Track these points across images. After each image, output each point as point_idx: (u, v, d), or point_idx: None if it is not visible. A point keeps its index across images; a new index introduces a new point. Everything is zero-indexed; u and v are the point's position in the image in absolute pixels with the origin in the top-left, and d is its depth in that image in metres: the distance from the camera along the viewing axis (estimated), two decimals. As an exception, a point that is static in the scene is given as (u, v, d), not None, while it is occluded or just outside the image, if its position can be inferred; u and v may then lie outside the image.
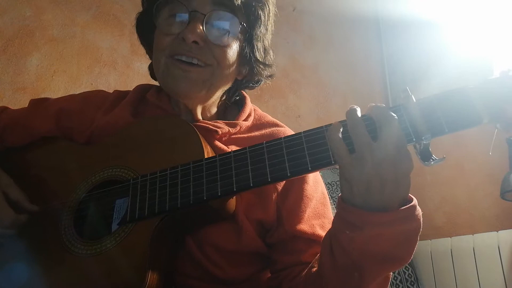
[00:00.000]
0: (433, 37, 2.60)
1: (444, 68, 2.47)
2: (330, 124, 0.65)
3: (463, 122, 0.60)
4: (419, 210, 0.64)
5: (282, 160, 0.66)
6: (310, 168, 0.64)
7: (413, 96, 0.62)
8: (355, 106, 0.64)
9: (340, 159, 0.61)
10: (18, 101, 1.78)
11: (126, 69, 2.10)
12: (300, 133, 0.68)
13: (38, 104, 0.99)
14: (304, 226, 0.82)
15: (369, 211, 0.61)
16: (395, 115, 0.61)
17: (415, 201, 0.64)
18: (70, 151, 0.90)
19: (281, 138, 0.68)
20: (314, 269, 0.75)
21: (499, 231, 1.96)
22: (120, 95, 0.98)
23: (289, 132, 0.94)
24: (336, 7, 2.79)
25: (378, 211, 0.61)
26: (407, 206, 0.62)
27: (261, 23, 0.87)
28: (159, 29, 0.85)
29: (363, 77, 2.94)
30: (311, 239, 0.82)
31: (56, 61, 1.96)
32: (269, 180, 0.66)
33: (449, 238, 2.19)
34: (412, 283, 2.16)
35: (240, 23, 0.84)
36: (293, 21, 2.75)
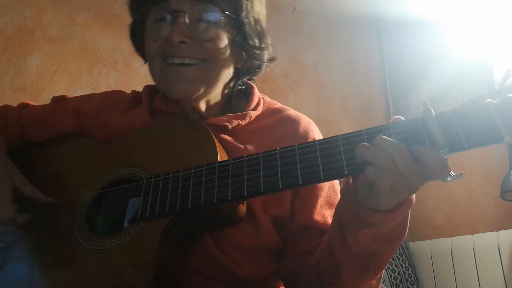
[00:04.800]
0: (433, 37, 2.60)
1: (444, 68, 2.47)
2: (345, 134, 0.65)
3: (483, 139, 0.58)
4: None
5: (295, 168, 0.66)
6: (322, 177, 0.64)
7: (432, 110, 0.61)
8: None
9: (378, 187, 0.61)
10: (18, 101, 1.76)
11: (126, 69, 2.10)
12: (314, 141, 0.67)
13: (59, 101, 1.02)
14: (316, 217, 0.83)
15: (389, 212, 0.64)
16: (405, 148, 0.60)
17: None
18: (87, 149, 0.93)
19: (294, 145, 0.68)
20: (326, 259, 0.76)
21: (499, 231, 1.96)
22: (138, 96, 0.98)
23: (299, 115, 0.93)
24: (336, 7, 2.79)
25: (396, 209, 0.64)
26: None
27: (246, 5, 0.85)
28: (147, 37, 0.86)
29: (363, 77, 2.94)
30: (323, 229, 0.83)
31: (56, 61, 1.96)
32: (280, 187, 0.66)
33: (449, 238, 2.19)
34: (412, 283, 2.16)
35: (223, 12, 0.82)
36: (293, 21, 2.75)
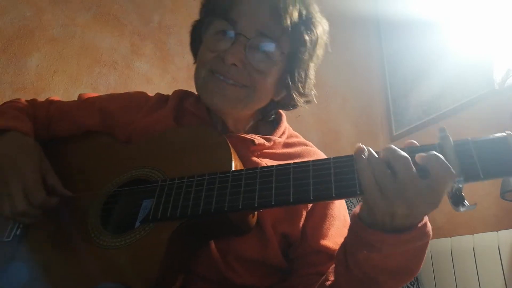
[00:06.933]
0: (433, 37, 2.60)
1: (444, 68, 2.47)
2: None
3: (500, 171, 0.58)
4: (429, 226, 0.65)
5: (307, 182, 0.66)
6: (334, 195, 0.63)
7: (450, 137, 0.61)
8: (361, 146, 0.63)
9: (367, 190, 0.61)
10: (18, 101, 1.78)
11: (126, 69, 2.10)
12: (329, 158, 0.68)
13: (86, 99, 1.05)
14: (328, 243, 0.83)
15: (389, 233, 0.62)
16: (407, 155, 0.60)
17: (426, 218, 0.64)
18: (109, 147, 0.95)
19: (309, 161, 0.68)
20: (329, 281, 0.76)
21: (499, 231, 1.96)
22: (162, 98, 1.01)
23: (318, 152, 0.97)
24: (336, 7, 2.79)
25: (398, 233, 0.62)
26: (422, 223, 0.64)
27: (305, 50, 0.88)
28: (204, 43, 0.88)
29: (363, 77, 2.94)
30: (334, 255, 0.82)
31: (56, 61, 1.96)
32: (291, 201, 0.66)
33: (449, 238, 2.19)
34: (412, 283, 2.16)
35: (282, 52, 0.85)
36: (293, 21, 2.75)
